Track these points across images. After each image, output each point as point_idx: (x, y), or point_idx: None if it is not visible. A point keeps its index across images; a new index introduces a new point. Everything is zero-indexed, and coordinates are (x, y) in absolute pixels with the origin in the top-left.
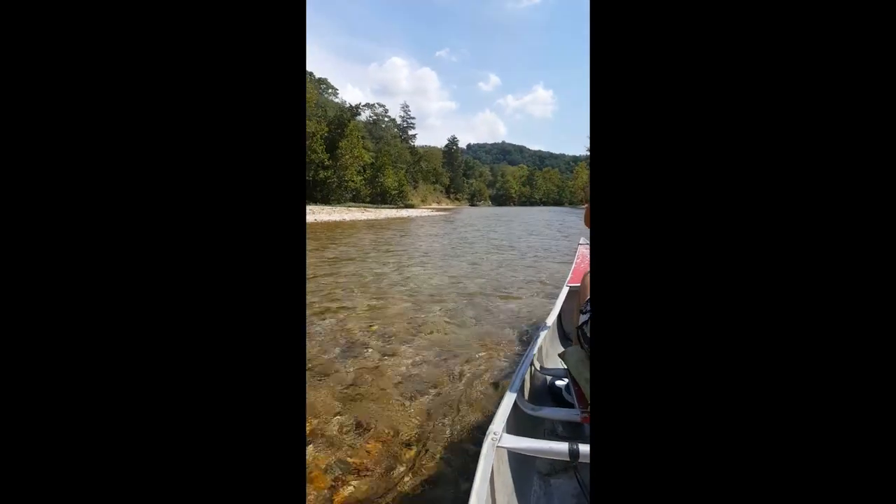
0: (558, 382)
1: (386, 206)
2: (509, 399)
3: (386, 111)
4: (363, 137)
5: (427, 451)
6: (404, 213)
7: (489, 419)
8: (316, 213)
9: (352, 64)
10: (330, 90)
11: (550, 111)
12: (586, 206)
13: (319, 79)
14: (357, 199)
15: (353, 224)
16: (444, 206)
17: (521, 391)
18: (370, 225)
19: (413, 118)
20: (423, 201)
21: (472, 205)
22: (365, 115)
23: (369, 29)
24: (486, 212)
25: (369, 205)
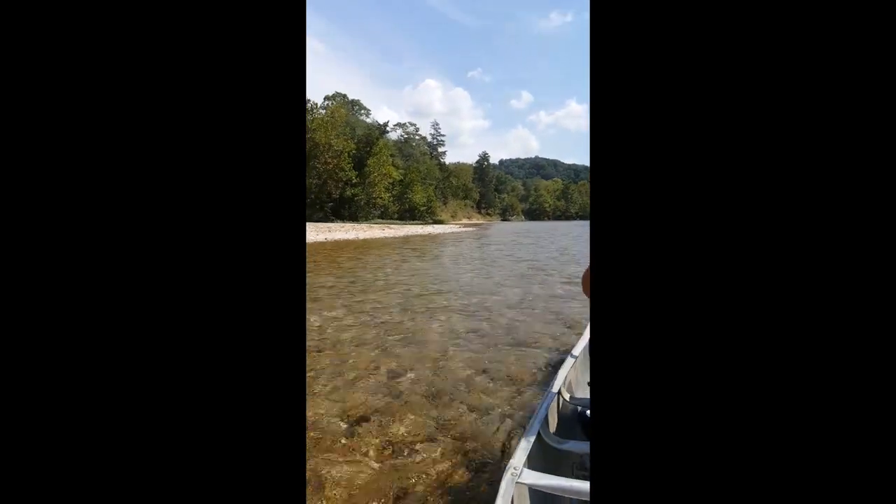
0: (589, 413)
1: (414, 222)
2: (532, 431)
3: (417, 130)
4: (392, 156)
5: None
6: (429, 229)
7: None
8: (332, 231)
9: (387, 88)
10: (363, 111)
11: (584, 124)
12: (585, 271)
13: (353, 100)
14: (385, 215)
15: (365, 243)
16: (474, 221)
17: (545, 423)
18: (385, 244)
19: (443, 135)
20: (452, 217)
21: (504, 220)
22: (397, 135)
23: (404, 53)
24: (517, 227)
25: (396, 221)
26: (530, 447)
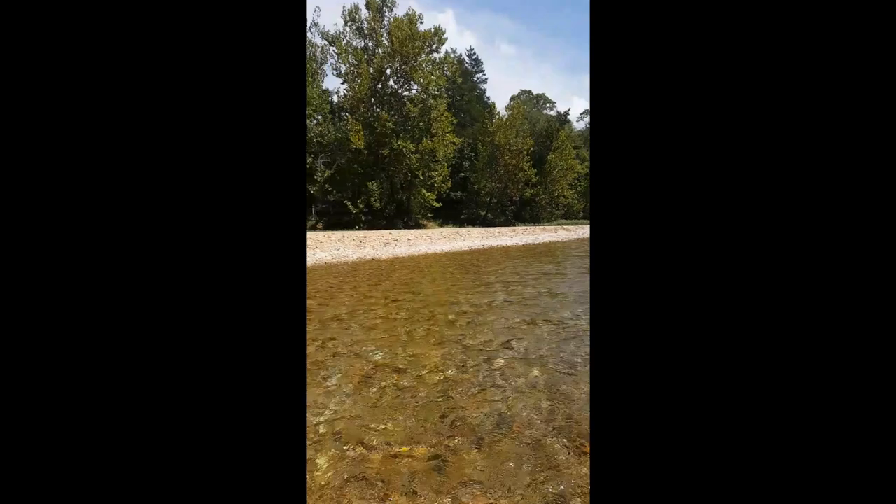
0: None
1: None
2: None
3: None
4: (577, 147)
5: None
6: None
7: None
8: (499, 236)
9: (575, 75)
10: (547, 104)
11: None
12: None
13: (537, 95)
14: (570, 215)
15: (525, 250)
16: None
17: None
18: (546, 250)
19: None
20: None
21: None
22: (584, 123)
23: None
24: None
25: (581, 221)
26: None
